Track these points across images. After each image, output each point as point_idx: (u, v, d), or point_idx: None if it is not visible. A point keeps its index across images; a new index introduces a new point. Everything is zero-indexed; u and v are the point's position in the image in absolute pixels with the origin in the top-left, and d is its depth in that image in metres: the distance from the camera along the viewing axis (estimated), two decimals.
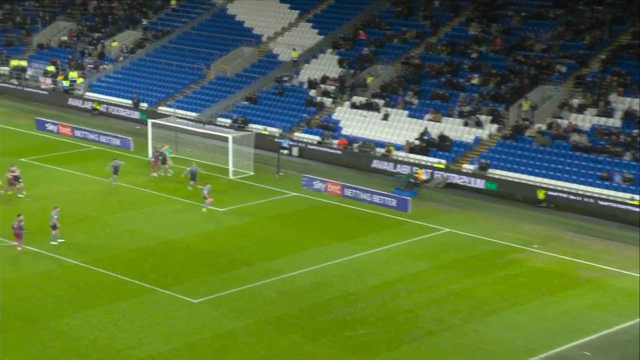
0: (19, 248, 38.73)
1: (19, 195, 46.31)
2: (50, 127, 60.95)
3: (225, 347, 30.98)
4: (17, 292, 34.79)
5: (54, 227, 39.68)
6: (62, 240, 39.81)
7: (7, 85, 73.48)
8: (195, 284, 36.28)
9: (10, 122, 63.49)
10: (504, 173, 51.31)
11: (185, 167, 50.50)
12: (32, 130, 61.07)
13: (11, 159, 52.00)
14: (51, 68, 73.16)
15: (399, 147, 55.58)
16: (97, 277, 36.62)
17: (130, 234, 41.97)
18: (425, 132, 55.81)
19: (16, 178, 46.26)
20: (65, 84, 70.76)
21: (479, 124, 55.54)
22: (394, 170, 53.48)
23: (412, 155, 54.70)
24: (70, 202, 45.74)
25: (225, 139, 53.63)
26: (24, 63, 75.11)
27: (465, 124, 55.98)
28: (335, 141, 57.67)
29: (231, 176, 52.11)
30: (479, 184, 51.02)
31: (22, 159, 53.08)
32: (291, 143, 57.90)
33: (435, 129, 56.20)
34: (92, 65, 73.05)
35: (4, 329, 31.55)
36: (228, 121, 62.22)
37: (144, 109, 66.01)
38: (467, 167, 52.86)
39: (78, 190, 48.19)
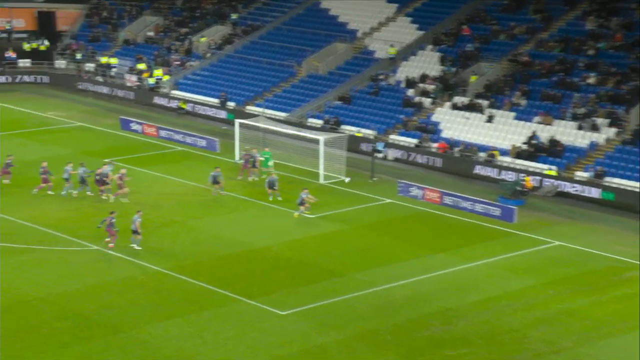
0: (111, 244, 39.98)
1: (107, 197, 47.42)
2: (135, 126, 62.33)
3: None
4: (100, 298, 35.58)
5: (135, 231, 40.44)
6: (140, 248, 40.49)
7: (91, 83, 75.55)
8: (283, 295, 36.43)
9: (95, 121, 65.17)
10: (623, 182, 50.00)
11: (272, 170, 50.89)
12: (117, 130, 62.54)
13: (95, 159, 53.37)
14: (141, 65, 74.78)
15: (504, 152, 54.81)
16: (181, 285, 37.16)
17: (216, 240, 42.49)
18: (533, 136, 54.86)
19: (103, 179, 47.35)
20: (151, 81, 72.30)
21: (595, 128, 54.30)
22: (498, 177, 52.74)
23: (518, 161, 53.86)
24: (154, 206, 46.61)
25: (316, 141, 53.82)
26: (113, 60, 77.04)
27: (580, 128, 54.81)
28: (435, 145, 57.24)
29: (322, 181, 52.24)
30: (594, 193, 49.83)
31: (106, 160, 54.34)
32: (386, 146, 57.73)
33: (545, 132, 55.19)
34: (178, 62, 74.48)
35: (87, 337, 32.31)
36: (319, 122, 62.46)
37: (231, 108, 66.87)
38: (581, 174, 51.72)
39: (162, 193, 49.05)
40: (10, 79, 77.42)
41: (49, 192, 47.68)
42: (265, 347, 32.09)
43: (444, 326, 34.10)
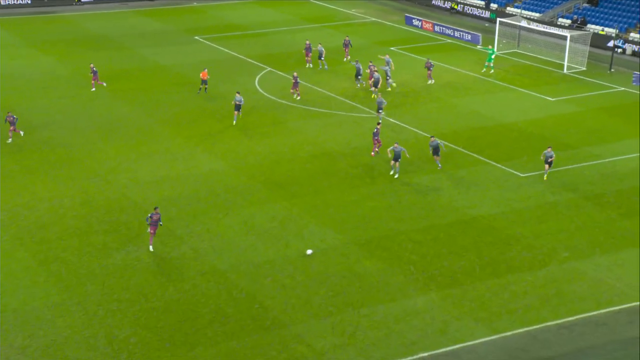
0: (151, 248, 28.39)
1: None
2: (415, 22, 62.05)
3: (546, 215, 30.57)
4: (379, 154, 36.54)
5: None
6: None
7: None
8: (524, 161, 35.78)
9: (386, 17, 65.58)
10: None
11: (522, 61, 48.88)
12: (402, 25, 62.64)
13: (385, 48, 54.02)
14: None
15: None
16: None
17: (472, 114, 42.13)
18: None
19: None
20: None
21: None
22: None
23: None
24: (424, 87, 46.74)
25: (564, 37, 50.83)
26: None
27: None
28: None
29: (565, 71, 49.61)
30: None
31: (392, 48, 54.90)
32: (625, 42, 53.32)
33: None
34: None
35: (370, 182, 33.73)
36: (568, 21, 58.70)
37: (494, 9, 64.42)
38: None
39: (433, 76, 48.87)
40: None
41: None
42: (506, 200, 32.00)
43: None
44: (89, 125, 40.05)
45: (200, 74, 44.44)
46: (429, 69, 46.89)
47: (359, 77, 45.61)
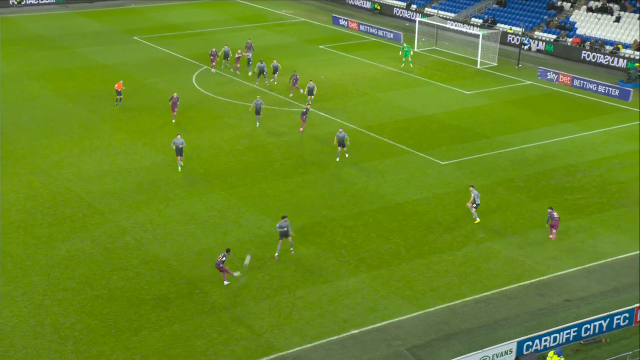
0: (225, 282, 25.10)
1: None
2: (342, 22, 61.88)
3: (464, 200, 30.88)
4: (312, 146, 36.45)
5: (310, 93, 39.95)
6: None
7: None
8: (444, 150, 36.16)
9: (314, 17, 65.24)
10: None
11: (439, 57, 49.40)
12: (329, 25, 62.43)
13: (313, 46, 53.70)
14: None
15: (627, 46, 50.48)
16: (370, 139, 37.57)
17: (396, 108, 42.35)
18: None
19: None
20: None
21: None
22: (620, 66, 48.85)
23: (638, 52, 49.49)
24: (353, 81, 46.77)
25: (477, 36, 51.61)
26: None
27: None
28: (570, 39, 53.47)
29: (478, 66, 50.39)
30: None
31: (320, 46, 54.69)
32: (531, 40, 54.55)
33: None
34: None
35: (303, 172, 33.54)
36: (480, 21, 59.66)
37: (414, 9, 64.87)
38: None
39: (357, 72, 49.03)
40: None
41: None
42: (428, 187, 32.28)
43: (565, 177, 32.91)
44: (33, 122, 38.56)
45: (115, 85, 41.35)
46: (294, 83, 42.71)
47: (264, 74, 44.51)
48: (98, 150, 35.26)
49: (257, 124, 38.59)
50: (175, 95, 38.60)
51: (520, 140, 37.37)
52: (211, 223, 28.76)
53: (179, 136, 33.21)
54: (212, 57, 47.69)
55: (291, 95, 42.95)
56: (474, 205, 28.84)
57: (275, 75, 44.96)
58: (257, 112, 38.30)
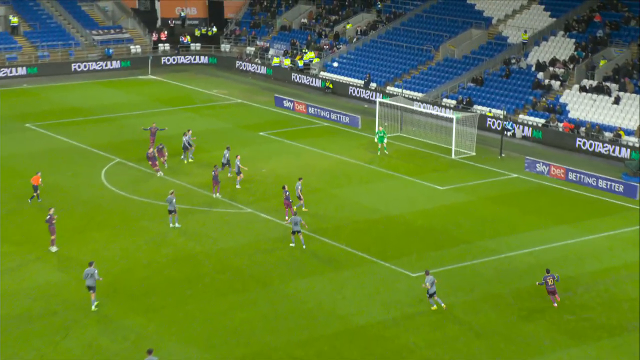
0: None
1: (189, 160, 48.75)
2: (287, 104, 63.32)
3: (441, 321, 30.95)
4: (252, 256, 36.58)
5: (299, 197, 41.05)
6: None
7: (250, 64, 77.09)
8: (414, 259, 36.47)
9: (253, 98, 66.53)
10: None
11: (406, 145, 50.62)
12: (271, 107, 63.68)
13: (252, 132, 54.52)
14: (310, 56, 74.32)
15: (629, 132, 52.71)
16: (324, 246, 37.72)
17: (355, 206, 42.85)
18: None
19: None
20: (300, 63, 73.16)
21: None
22: (622, 156, 50.84)
23: None
24: (301, 175, 47.25)
25: (450, 120, 53.26)
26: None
27: None
28: (561, 124, 55.64)
29: (453, 156, 51.75)
30: None
31: (261, 133, 55.53)
32: (515, 125, 56.54)
33: None
34: (327, 46, 74.96)
35: (240, 289, 33.39)
36: (453, 102, 61.76)
37: (373, 88, 66.90)
38: None
39: (309, 163, 49.72)
40: (182, 60, 79.93)
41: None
42: (397, 304, 32.30)
43: (564, 292, 33.34)
44: None
45: (31, 180, 41.45)
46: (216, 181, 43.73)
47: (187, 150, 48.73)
48: None
49: (174, 224, 39.07)
50: (154, 125, 46.87)
51: (506, 246, 38.02)
52: (121, 358, 28.03)
53: (91, 265, 31.32)
54: (157, 156, 46.69)
55: (218, 195, 43.19)
56: (428, 294, 31.15)
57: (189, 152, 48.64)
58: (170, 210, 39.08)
